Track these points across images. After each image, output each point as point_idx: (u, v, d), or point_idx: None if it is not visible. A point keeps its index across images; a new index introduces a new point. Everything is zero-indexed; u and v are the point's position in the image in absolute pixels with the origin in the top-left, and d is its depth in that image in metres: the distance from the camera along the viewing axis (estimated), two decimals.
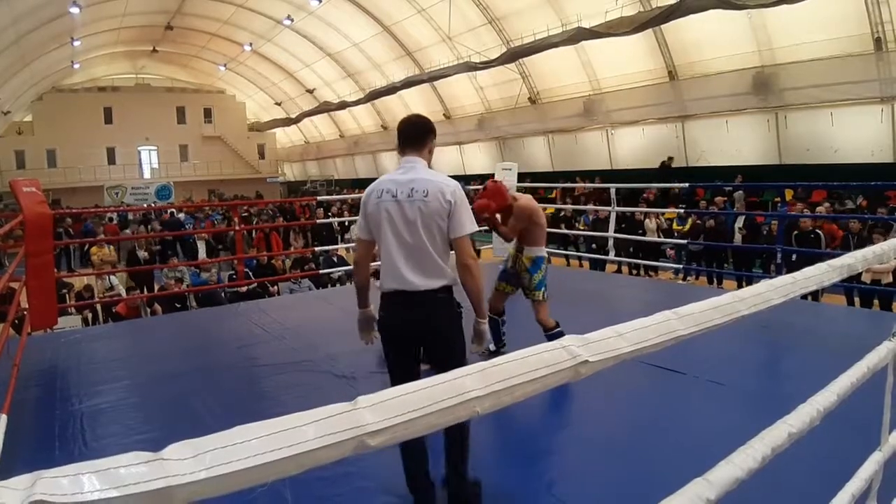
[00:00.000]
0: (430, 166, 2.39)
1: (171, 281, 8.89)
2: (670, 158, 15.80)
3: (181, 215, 16.53)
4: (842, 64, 12.00)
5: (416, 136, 2.35)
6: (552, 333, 3.76)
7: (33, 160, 29.78)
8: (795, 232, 7.81)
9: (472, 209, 3.79)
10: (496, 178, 4.59)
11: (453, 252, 2.32)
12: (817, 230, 7.86)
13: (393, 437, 0.65)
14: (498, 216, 4.00)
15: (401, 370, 2.32)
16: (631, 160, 17.44)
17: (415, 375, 2.16)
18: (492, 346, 3.97)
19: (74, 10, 20.12)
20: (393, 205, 2.24)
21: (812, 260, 1.95)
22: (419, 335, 2.30)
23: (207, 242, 12.30)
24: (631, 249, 9.90)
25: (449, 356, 2.24)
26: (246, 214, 16.37)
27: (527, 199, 4.01)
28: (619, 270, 9.90)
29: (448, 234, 2.25)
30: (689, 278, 9.68)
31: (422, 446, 2.29)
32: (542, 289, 3.92)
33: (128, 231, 14.56)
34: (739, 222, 9.68)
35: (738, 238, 9.35)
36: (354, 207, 18.30)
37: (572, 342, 0.86)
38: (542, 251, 4.00)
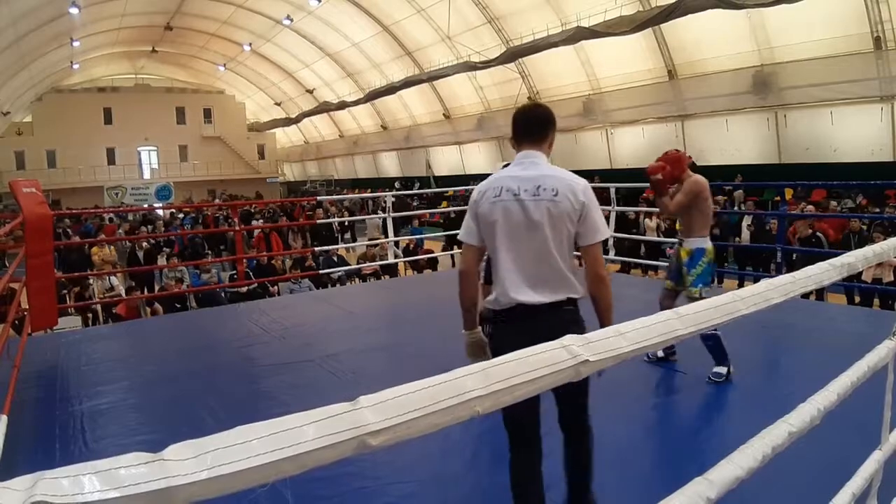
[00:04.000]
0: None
1: (171, 281, 8.89)
2: (689, 157, 15.68)
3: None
4: (841, 63, 12.01)
5: (537, 127, 2.08)
6: (709, 334, 3.35)
7: (33, 161, 29.79)
8: (798, 237, 7.86)
9: (646, 170, 3.71)
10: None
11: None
12: (818, 234, 7.88)
13: (394, 436, 0.65)
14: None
15: (523, 408, 1.84)
16: (630, 160, 17.44)
17: (536, 413, 2.01)
18: (659, 353, 3.81)
19: (74, 10, 20.12)
20: (514, 204, 1.96)
21: (812, 259, 1.94)
22: None
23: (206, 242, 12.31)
24: (626, 244, 9.94)
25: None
26: (247, 210, 16.37)
27: (702, 178, 3.69)
28: (625, 270, 9.89)
29: (577, 241, 1.99)
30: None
31: (536, 471, 2.08)
32: (700, 286, 3.59)
33: (120, 232, 14.47)
34: (748, 220, 9.87)
35: (746, 235, 9.55)
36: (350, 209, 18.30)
37: (573, 341, 0.86)
38: (704, 242, 3.66)
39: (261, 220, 14.76)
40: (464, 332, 2.14)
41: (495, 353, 1.90)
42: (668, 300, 3.86)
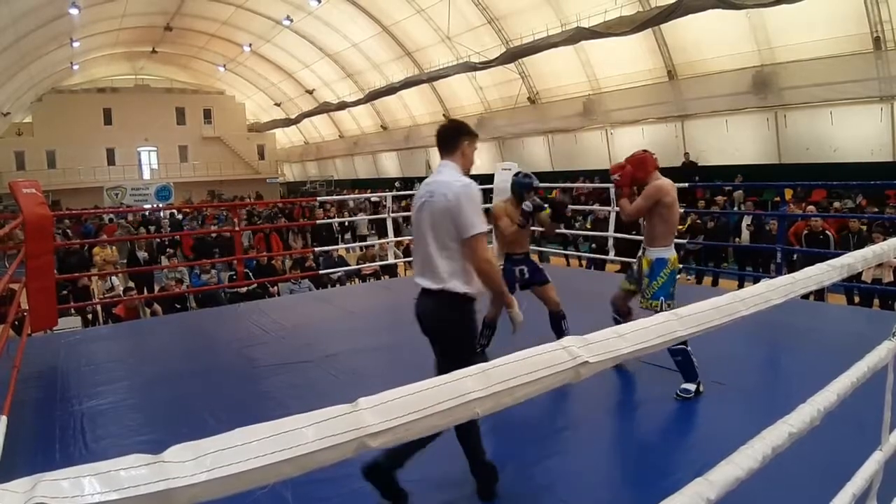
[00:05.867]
0: (468, 168, 2.47)
1: (171, 282, 8.89)
2: (687, 154, 15.56)
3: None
4: (841, 63, 12.00)
5: (446, 140, 2.44)
6: (676, 349, 3.19)
7: (33, 161, 29.75)
8: (806, 232, 7.84)
9: (610, 170, 3.74)
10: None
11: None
12: (826, 232, 7.89)
13: (394, 438, 0.65)
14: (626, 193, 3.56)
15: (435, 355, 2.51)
16: None
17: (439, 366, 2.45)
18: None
19: (74, 11, 20.10)
20: (420, 206, 2.40)
21: (812, 260, 1.95)
22: (428, 328, 2.45)
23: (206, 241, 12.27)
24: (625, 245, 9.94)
25: (452, 352, 2.38)
26: (249, 211, 16.35)
27: (665, 182, 3.41)
28: (621, 270, 9.88)
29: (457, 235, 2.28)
30: (689, 278, 9.69)
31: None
32: (662, 298, 3.35)
33: (119, 233, 14.45)
34: (747, 220, 9.89)
35: (746, 235, 9.56)
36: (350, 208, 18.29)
37: (572, 343, 0.86)
38: (665, 252, 3.42)
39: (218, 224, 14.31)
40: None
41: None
42: (622, 300, 3.73)
